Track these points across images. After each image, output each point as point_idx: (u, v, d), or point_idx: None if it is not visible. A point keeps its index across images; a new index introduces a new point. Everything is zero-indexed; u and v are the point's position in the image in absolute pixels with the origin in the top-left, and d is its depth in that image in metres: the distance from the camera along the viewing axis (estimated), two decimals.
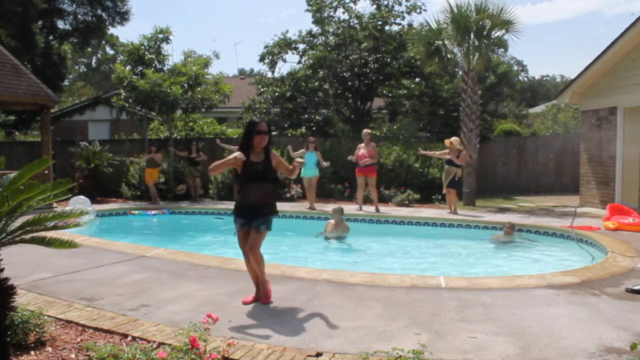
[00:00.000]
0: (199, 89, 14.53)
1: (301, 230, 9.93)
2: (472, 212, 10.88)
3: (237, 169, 4.44)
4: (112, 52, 46.42)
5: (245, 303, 4.44)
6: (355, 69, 16.79)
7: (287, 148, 12.09)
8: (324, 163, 11.51)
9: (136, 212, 11.72)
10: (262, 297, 4.50)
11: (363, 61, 16.70)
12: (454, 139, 10.82)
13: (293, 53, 18.10)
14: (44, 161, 3.18)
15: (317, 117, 16.74)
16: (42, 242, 3.29)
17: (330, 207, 11.52)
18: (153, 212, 11.70)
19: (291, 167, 4.64)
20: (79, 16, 26.52)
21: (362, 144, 11.09)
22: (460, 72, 13.89)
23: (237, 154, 4.40)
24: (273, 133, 16.41)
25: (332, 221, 8.74)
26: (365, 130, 11.34)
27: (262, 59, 17.97)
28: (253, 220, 4.43)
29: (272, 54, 17.69)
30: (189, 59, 15.15)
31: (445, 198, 11.34)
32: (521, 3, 79.03)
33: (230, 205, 12.42)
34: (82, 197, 10.82)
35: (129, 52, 14.73)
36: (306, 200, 11.97)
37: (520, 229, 8.80)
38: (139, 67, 14.69)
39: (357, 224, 9.79)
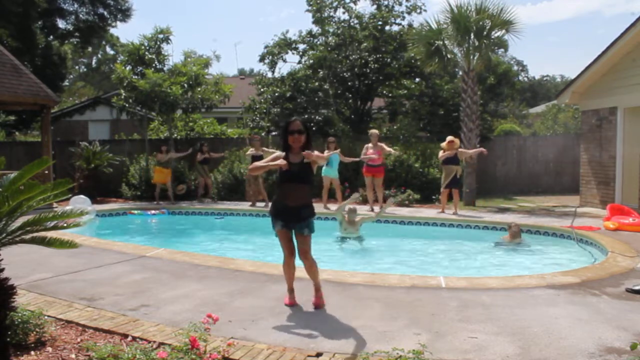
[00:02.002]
0: (199, 89, 14.54)
1: None
2: (472, 212, 10.87)
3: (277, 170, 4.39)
4: (112, 52, 46.44)
5: (286, 304, 4.40)
6: (356, 69, 16.79)
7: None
8: (347, 159, 11.62)
9: (136, 212, 11.73)
10: (316, 299, 4.44)
11: (363, 61, 16.70)
12: (453, 138, 10.82)
13: (293, 53, 18.11)
14: (44, 161, 3.18)
15: (317, 117, 16.73)
16: (42, 242, 3.28)
17: (331, 207, 11.52)
18: (152, 212, 11.71)
19: (321, 154, 4.56)
20: (80, 15, 26.55)
21: (370, 144, 11.08)
22: (460, 72, 13.90)
23: (278, 154, 4.41)
24: (273, 133, 16.57)
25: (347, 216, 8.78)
26: (373, 131, 11.33)
27: (262, 59, 17.98)
28: (293, 223, 4.35)
29: (272, 54, 17.69)
30: (189, 59, 15.16)
31: (440, 199, 11.25)
32: (521, 3, 79.11)
33: (230, 205, 12.51)
34: (82, 196, 10.83)
35: (129, 52, 14.74)
36: (320, 201, 11.71)
37: (532, 231, 8.79)
38: (139, 67, 14.70)
39: None
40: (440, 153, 10.79)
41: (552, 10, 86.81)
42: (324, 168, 11.53)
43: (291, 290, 4.53)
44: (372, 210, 11.02)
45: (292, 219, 4.32)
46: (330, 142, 11.52)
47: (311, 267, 4.42)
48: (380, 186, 11.20)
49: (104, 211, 11.52)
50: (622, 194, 10.93)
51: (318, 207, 11.10)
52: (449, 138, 10.74)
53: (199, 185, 13.52)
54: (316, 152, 4.30)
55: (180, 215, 11.86)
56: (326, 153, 11.29)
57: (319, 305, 4.39)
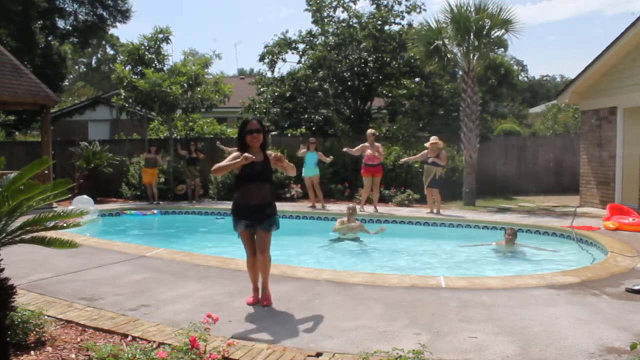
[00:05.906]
0: (198, 89, 14.53)
1: (301, 230, 9.93)
2: (472, 212, 10.87)
3: (237, 169, 4.39)
4: (112, 52, 46.44)
5: (249, 304, 4.44)
6: (355, 69, 16.78)
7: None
8: (327, 159, 11.71)
9: (130, 212, 11.73)
10: (263, 299, 4.47)
11: (363, 61, 16.69)
12: (433, 138, 10.82)
13: (293, 53, 18.09)
14: (44, 161, 3.18)
15: (317, 117, 16.74)
16: (42, 242, 3.28)
17: (330, 207, 11.55)
18: (144, 212, 11.73)
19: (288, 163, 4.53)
20: (80, 15, 26.55)
21: (367, 144, 11.06)
22: (460, 72, 13.89)
23: (236, 153, 4.39)
24: (273, 133, 16.56)
25: (346, 220, 8.76)
26: (369, 130, 11.34)
27: (262, 58, 17.96)
28: (258, 221, 4.38)
29: (272, 54, 17.68)
30: (189, 59, 15.15)
31: (427, 199, 11.18)
32: (521, 3, 79.04)
33: (230, 205, 12.47)
34: (85, 196, 10.84)
35: (129, 52, 14.74)
36: (307, 200, 12.02)
37: (532, 231, 8.80)
38: (139, 67, 14.69)
39: None
40: (418, 156, 11.20)
41: (551, 10, 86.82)
42: (303, 170, 11.62)
43: (256, 290, 4.56)
44: (362, 209, 10.96)
45: (257, 218, 4.37)
46: (311, 143, 11.78)
47: (266, 263, 4.47)
48: (378, 185, 11.15)
49: (103, 211, 11.52)
50: (622, 193, 10.93)
51: (302, 207, 11.38)
52: (429, 143, 10.81)
53: (188, 187, 13.47)
54: (286, 162, 4.39)
55: (180, 216, 11.86)
56: (301, 152, 11.74)
57: (269, 303, 4.42)
